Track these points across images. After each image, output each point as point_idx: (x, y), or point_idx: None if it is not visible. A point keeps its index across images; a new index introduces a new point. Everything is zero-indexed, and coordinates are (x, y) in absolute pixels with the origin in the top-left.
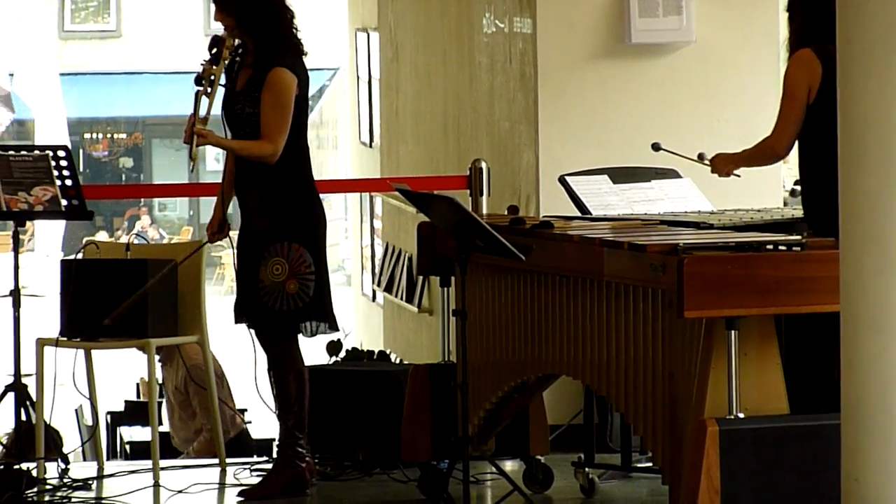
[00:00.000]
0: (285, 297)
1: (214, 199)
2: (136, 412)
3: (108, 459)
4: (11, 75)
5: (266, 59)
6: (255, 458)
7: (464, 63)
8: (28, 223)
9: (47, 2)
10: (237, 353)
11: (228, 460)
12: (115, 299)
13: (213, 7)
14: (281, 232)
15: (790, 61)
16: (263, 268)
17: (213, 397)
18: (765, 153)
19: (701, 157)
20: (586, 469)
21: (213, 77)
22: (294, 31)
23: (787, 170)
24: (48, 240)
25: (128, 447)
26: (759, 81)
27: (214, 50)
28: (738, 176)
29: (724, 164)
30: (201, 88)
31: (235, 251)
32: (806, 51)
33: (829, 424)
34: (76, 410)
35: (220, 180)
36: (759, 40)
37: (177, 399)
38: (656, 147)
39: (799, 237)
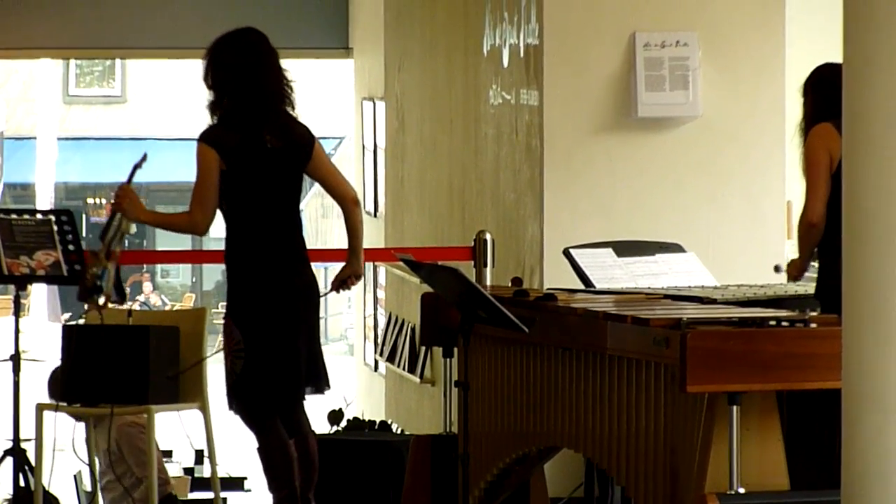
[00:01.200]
0: (226, 372)
1: (218, 265)
2: None
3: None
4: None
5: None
6: None
7: (470, 134)
8: (28, 287)
9: (53, 66)
10: (236, 421)
11: None
12: (116, 365)
13: None
14: (229, 306)
15: (810, 135)
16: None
17: (152, 450)
18: (801, 231)
19: (777, 269)
20: None
21: None
22: (261, 94)
23: (791, 245)
24: (43, 305)
25: None
26: (765, 155)
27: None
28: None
29: (795, 268)
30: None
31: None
32: (825, 124)
33: (829, 501)
34: (75, 476)
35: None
36: (765, 114)
37: (108, 460)
38: (777, 269)
39: (802, 313)
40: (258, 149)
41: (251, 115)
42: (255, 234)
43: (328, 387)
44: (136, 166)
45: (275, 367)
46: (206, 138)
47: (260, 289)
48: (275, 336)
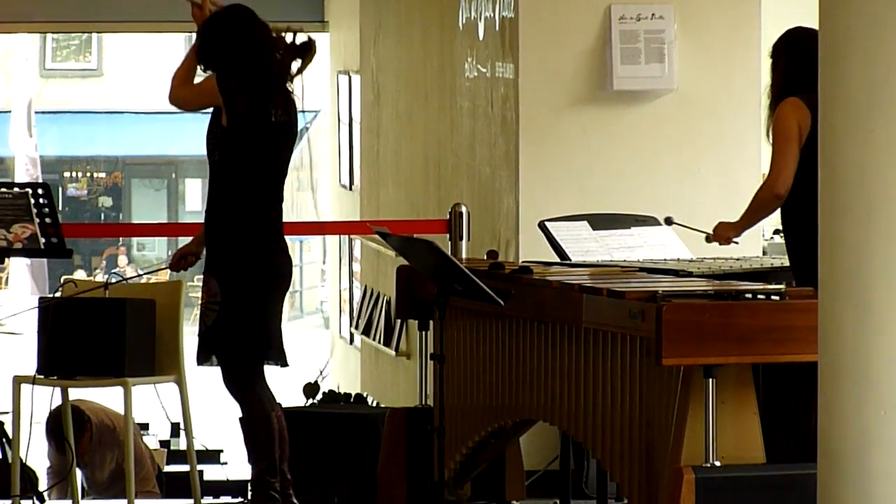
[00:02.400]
0: (206, 329)
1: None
2: None
3: (82, 498)
4: None
5: None
6: (231, 500)
7: (445, 107)
8: (6, 260)
9: (29, 40)
10: (210, 394)
11: (205, 500)
12: (92, 338)
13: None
14: (208, 262)
15: (782, 106)
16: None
17: (130, 443)
18: (765, 199)
19: (708, 238)
20: None
21: None
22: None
23: (767, 219)
24: (26, 278)
25: None
26: (741, 128)
27: None
28: (737, 243)
29: (726, 231)
30: None
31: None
32: (795, 98)
33: (805, 474)
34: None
35: (200, 221)
36: (740, 88)
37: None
38: (669, 221)
39: (778, 286)
40: (264, 120)
41: (259, 88)
42: (244, 198)
43: (287, 363)
44: None
45: (245, 323)
46: (225, 82)
47: (242, 249)
48: (249, 295)
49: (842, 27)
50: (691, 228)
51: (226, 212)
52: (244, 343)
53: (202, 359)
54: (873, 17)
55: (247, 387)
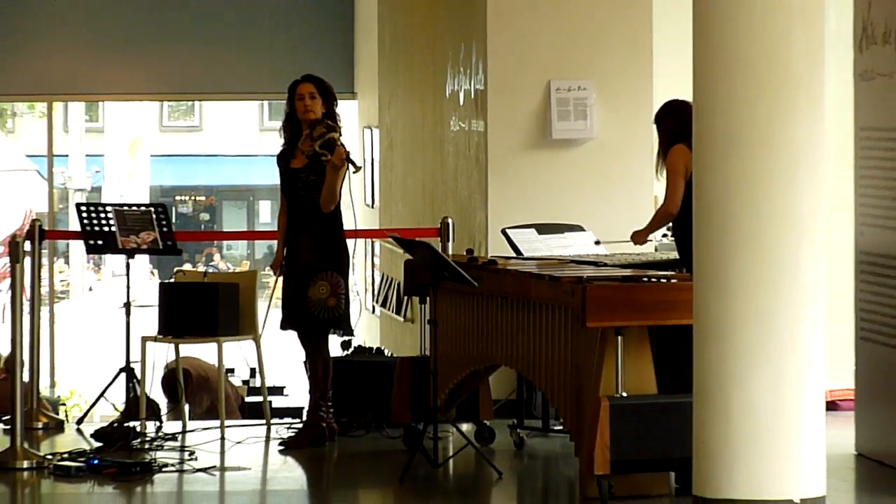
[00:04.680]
0: (326, 309)
1: (265, 241)
2: None
3: (189, 419)
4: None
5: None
6: (291, 420)
7: (437, 151)
8: (134, 256)
9: (152, 105)
10: (277, 348)
11: (273, 421)
12: (196, 310)
13: (266, 112)
14: (325, 264)
15: (672, 151)
16: (312, 288)
17: (222, 381)
18: (663, 216)
19: (597, 243)
20: (518, 430)
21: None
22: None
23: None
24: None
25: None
26: (639, 167)
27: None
28: (651, 240)
29: (639, 236)
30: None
31: (283, 279)
32: (681, 145)
33: (684, 402)
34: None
35: (269, 230)
36: (638, 138)
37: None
38: (597, 242)
39: (665, 273)
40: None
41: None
42: (341, 223)
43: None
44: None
45: (347, 306)
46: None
47: (341, 254)
48: (347, 286)
49: (709, 97)
50: (614, 242)
51: (339, 234)
52: (344, 318)
53: (319, 332)
54: (731, 91)
55: (325, 343)
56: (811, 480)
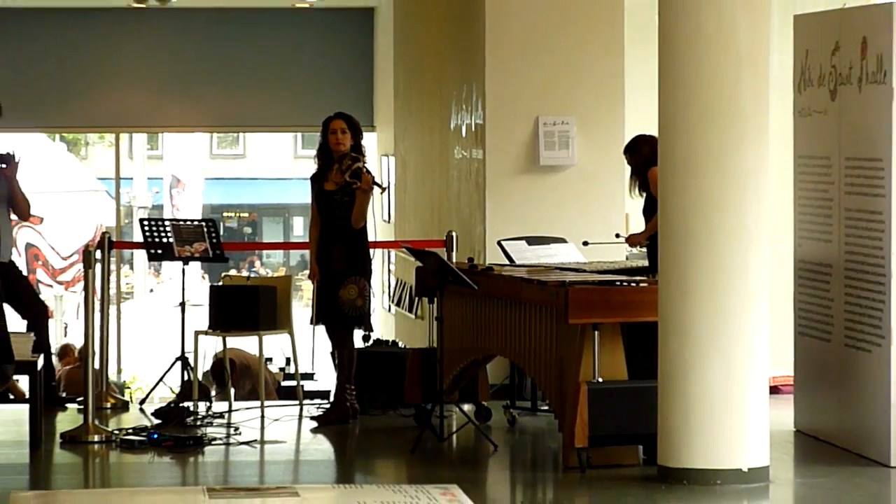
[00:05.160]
0: (354, 308)
1: (298, 251)
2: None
3: (234, 401)
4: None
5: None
6: (319, 401)
7: (443, 175)
8: (189, 263)
9: (203, 137)
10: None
11: (305, 401)
12: (240, 308)
13: (300, 141)
14: (354, 271)
15: (653, 172)
16: (343, 290)
17: (262, 368)
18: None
19: (618, 236)
20: (510, 410)
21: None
22: None
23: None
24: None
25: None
26: (613, 188)
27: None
28: (647, 243)
29: (637, 239)
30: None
31: (316, 283)
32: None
33: (651, 386)
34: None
35: (302, 241)
36: (612, 164)
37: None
38: (586, 243)
39: (635, 278)
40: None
41: None
42: (367, 237)
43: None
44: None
45: (370, 305)
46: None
47: (367, 261)
48: (370, 289)
49: (672, 130)
50: (604, 243)
51: (358, 241)
52: (367, 316)
53: (349, 328)
54: (690, 124)
55: (350, 336)
56: (757, 452)
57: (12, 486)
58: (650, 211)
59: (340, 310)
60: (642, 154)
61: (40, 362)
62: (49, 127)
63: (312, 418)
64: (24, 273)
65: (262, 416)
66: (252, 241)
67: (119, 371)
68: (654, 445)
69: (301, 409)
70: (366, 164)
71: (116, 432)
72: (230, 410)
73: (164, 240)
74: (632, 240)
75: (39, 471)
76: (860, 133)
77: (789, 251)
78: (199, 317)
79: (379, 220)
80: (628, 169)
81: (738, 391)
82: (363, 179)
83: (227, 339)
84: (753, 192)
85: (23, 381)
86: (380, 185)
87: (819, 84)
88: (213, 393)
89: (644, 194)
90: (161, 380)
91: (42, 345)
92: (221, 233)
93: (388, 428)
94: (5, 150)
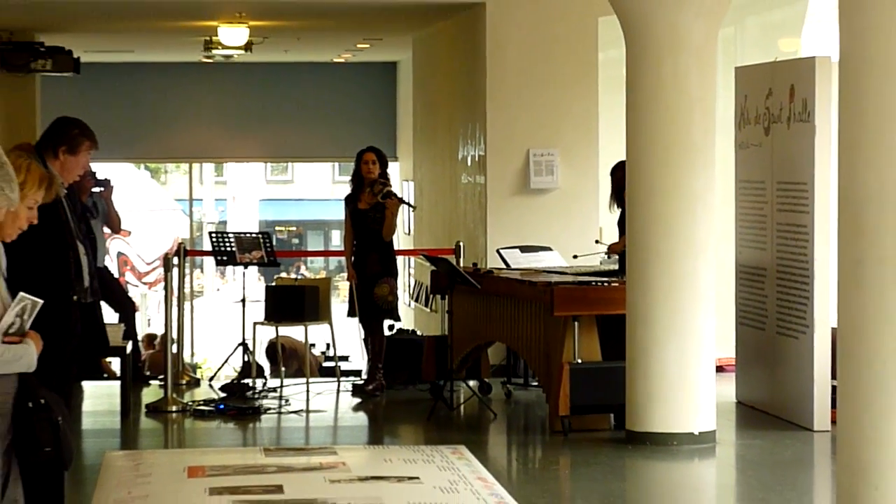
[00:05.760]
0: (387, 303)
1: (336, 258)
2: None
3: (284, 378)
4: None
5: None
6: (354, 378)
7: (452, 197)
8: (248, 267)
9: (258, 166)
10: (342, 330)
11: (341, 379)
12: (289, 303)
13: (337, 169)
14: (386, 273)
15: None
16: (378, 288)
17: (307, 352)
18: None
19: (597, 241)
20: (507, 385)
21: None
22: None
23: (602, 245)
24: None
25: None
26: (589, 207)
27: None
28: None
29: (617, 248)
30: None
31: (356, 283)
32: None
33: (620, 366)
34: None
35: (338, 250)
36: (588, 187)
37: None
38: (575, 256)
39: (608, 279)
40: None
41: None
42: (393, 246)
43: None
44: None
45: (397, 301)
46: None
47: (393, 265)
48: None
49: (637, 159)
50: (590, 254)
51: (388, 250)
52: (395, 310)
53: (379, 321)
54: (652, 154)
55: (381, 326)
56: (706, 419)
57: (107, 447)
58: (625, 224)
59: (375, 304)
60: (618, 175)
61: (129, 347)
62: (136, 158)
63: (354, 385)
64: (116, 276)
65: (308, 391)
66: (299, 250)
67: (192, 354)
68: (623, 413)
69: (339, 385)
70: (391, 188)
71: (190, 404)
72: (281, 386)
73: (229, 248)
74: (612, 248)
75: (128, 435)
76: (789, 162)
77: (731, 257)
78: (257, 310)
79: (401, 233)
80: (604, 190)
81: (690, 370)
82: (392, 200)
83: (279, 328)
84: (702, 210)
85: (114, 363)
86: (409, 204)
87: (755, 122)
88: (268, 372)
89: (620, 209)
90: (226, 361)
91: (130, 333)
92: (274, 243)
93: (409, 400)
94: (102, 176)
